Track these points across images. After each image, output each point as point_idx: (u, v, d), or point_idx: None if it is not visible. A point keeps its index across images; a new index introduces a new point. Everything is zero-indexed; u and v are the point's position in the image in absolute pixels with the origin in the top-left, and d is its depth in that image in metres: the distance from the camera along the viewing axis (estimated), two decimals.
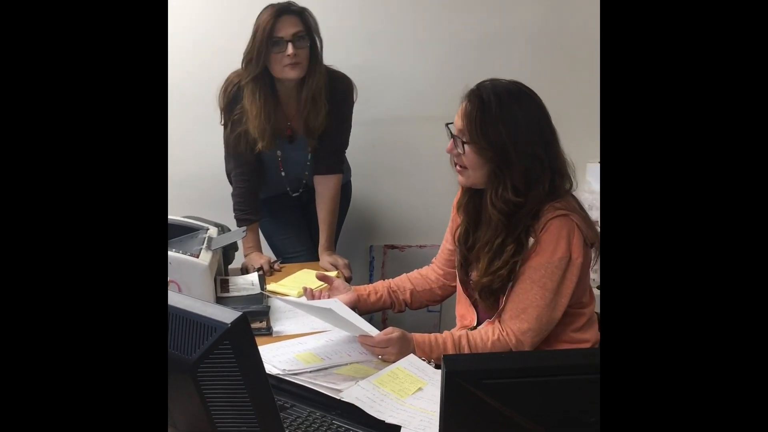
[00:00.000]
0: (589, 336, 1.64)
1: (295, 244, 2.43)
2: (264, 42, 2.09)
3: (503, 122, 1.53)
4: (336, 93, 2.25)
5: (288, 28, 2.11)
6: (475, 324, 1.71)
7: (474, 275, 1.66)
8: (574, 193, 1.63)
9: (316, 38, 2.18)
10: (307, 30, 2.15)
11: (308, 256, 2.36)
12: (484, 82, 1.60)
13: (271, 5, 2.15)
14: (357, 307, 1.82)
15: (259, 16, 2.15)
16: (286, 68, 2.13)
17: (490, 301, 1.63)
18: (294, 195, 2.44)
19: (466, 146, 1.58)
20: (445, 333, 1.63)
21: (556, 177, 1.57)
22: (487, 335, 1.59)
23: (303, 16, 2.15)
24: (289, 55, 2.10)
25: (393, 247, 2.95)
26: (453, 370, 0.83)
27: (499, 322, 1.60)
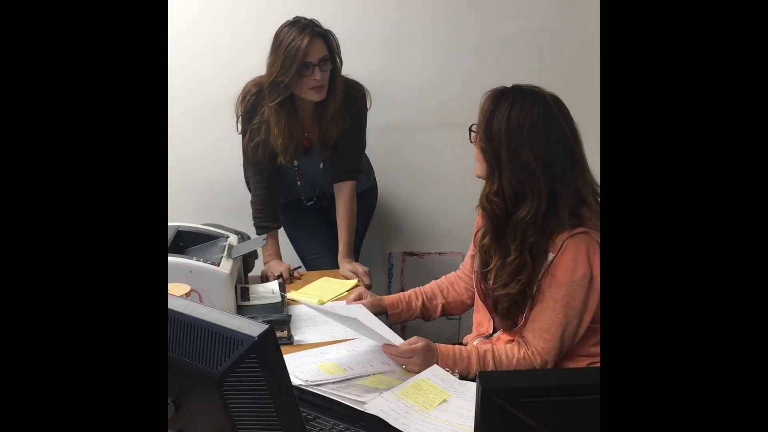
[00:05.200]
0: None
1: (317, 247, 2.43)
2: (297, 70, 2.09)
3: (506, 124, 1.52)
4: (349, 101, 2.25)
5: (317, 53, 2.12)
6: (491, 332, 1.70)
7: (491, 284, 1.64)
8: None
9: (338, 59, 2.19)
10: (331, 53, 2.16)
11: (331, 258, 2.35)
12: (518, 84, 1.58)
13: (297, 24, 2.13)
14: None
15: (285, 35, 2.12)
16: (310, 90, 2.15)
17: (507, 321, 1.61)
18: (309, 203, 2.45)
19: (475, 136, 1.59)
20: (470, 346, 1.61)
21: (559, 205, 1.52)
22: (513, 353, 1.57)
23: (327, 39, 2.16)
24: (315, 80, 2.12)
25: (412, 254, 2.93)
26: (489, 387, 0.81)
27: (523, 340, 1.58)
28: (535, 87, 1.58)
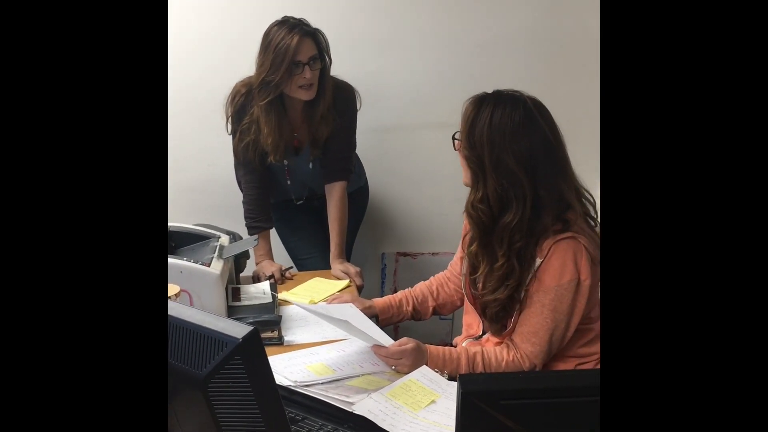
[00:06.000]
0: (596, 350, 1.63)
1: (307, 247, 2.44)
2: (287, 69, 2.10)
3: (488, 131, 1.52)
4: (339, 101, 2.26)
5: (306, 52, 2.12)
6: (480, 333, 1.71)
7: (480, 288, 1.65)
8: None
9: (327, 58, 2.19)
10: (320, 52, 2.16)
11: (321, 258, 2.36)
12: (499, 90, 1.58)
13: (286, 24, 2.13)
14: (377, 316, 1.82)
15: (274, 34, 2.12)
16: (300, 89, 2.15)
17: (496, 325, 1.62)
18: (299, 203, 2.45)
19: (458, 144, 1.60)
20: (460, 348, 1.62)
21: (544, 210, 1.53)
22: (502, 355, 1.58)
23: (316, 37, 2.16)
24: (305, 78, 2.12)
25: (405, 254, 2.94)
26: (469, 390, 0.81)
27: (512, 344, 1.59)
28: (515, 91, 1.58)
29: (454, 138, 1.61)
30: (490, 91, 1.60)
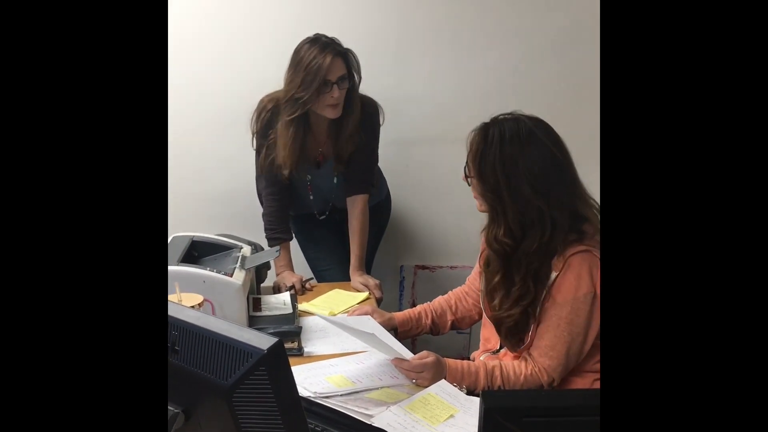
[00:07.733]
0: None
1: (327, 260, 2.45)
2: (317, 88, 2.11)
3: (500, 165, 1.54)
4: (363, 116, 2.27)
5: (336, 71, 2.14)
6: (498, 348, 1.71)
7: (496, 307, 1.65)
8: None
9: (356, 77, 2.21)
10: (349, 71, 2.18)
11: (340, 271, 2.37)
12: (498, 117, 1.60)
13: (318, 42, 2.15)
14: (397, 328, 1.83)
15: (305, 52, 2.13)
16: (327, 107, 2.16)
17: (512, 341, 1.63)
18: (321, 217, 2.47)
19: (470, 179, 1.62)
20: (478, 362, 1.62)
21: (556, 230, 1.54)
22: (520, 369, 1.58)
23: (347, 57, 2.18)
24: (333, 97, 2.14)
25: (424, 267, 2.94)
26: (492, 406, 0.82)
27: (530, 358, 1.60)
28: (513, 113, 1.60)
29: (465, 173, 1.63)
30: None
